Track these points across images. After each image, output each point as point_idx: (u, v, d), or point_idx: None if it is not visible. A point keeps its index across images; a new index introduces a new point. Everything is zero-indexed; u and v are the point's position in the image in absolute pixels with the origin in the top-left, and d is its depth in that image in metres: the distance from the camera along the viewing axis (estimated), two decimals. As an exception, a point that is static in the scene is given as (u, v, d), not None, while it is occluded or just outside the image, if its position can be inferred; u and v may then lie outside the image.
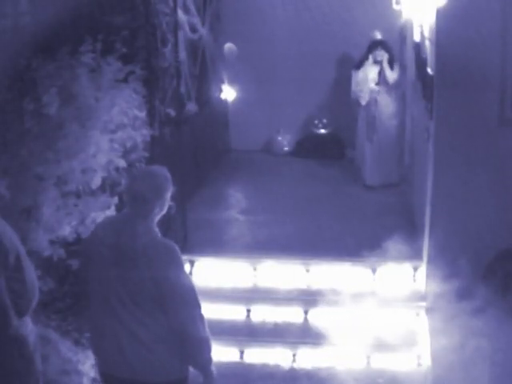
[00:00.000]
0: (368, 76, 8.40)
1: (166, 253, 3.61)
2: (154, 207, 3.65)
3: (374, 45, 8.41)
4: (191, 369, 3.78)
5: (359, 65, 8.50)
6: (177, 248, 3.66)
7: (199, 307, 3.66)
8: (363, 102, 8.40)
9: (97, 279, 3.69)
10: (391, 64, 8.39)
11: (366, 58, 8.44)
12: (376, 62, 8.39)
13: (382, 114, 8.42)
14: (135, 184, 3.69)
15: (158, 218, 3.72)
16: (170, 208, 3.82)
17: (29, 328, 4.07)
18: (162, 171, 3.76)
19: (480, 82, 5.57)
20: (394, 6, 7.92)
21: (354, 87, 8.52)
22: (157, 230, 3.70)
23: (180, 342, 3.62)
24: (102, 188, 5.82)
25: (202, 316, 3.66)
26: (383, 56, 8.35)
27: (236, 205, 8.08)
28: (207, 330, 3.68)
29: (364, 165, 8.60)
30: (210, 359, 3.72)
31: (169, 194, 3.73)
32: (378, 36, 8.52)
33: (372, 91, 8.38)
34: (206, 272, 6.52)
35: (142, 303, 3.57)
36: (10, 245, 3.88)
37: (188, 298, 3.61)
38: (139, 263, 3.56)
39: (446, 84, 5.66)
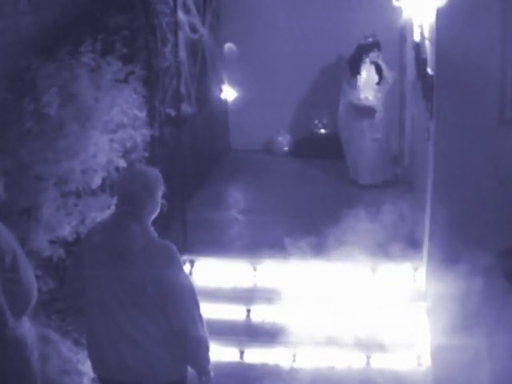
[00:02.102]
0: (371, 78, 8.39)
1: (164, 254, 3.60)
2: (145, 207, 3.63)
3: (370, 47, 8.40)
4: (189, 369, 3.78)
5: (357, 69, 8.44)
6: (175, 249, 3.65)
7: (198, 307, 3.67)
8: (371, 104, 8.35)
9: (94, 283, 3.67)
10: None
11: (362, 61, 8.40)
12: (371, 63, 8.39)
13: (381, 113, 8.41)
14: (126, 184, 3.67)
15: (151, 218, 3.70)
16: (162, 206, 3.80)
17: (26, 329, 4.06)
18: (153, 171, 3.74)
19: (480, 82, 5.57)
20: (394, 2, 7.92)
21: (358, 94, 8.36)
22: (153, 230, 3.69)
23: (178, 343, 3.62)
24: (102, 188, 5.83)
25: (200, 316, 3.67)
26: (378, 57, 8.37)
27: (236, 205, 8.08)
28: (205, 330, 3.68)
29: (360, 164, 8.56)
30: (207, 359, 3.73)
31: (160, 194, 3.71)
32: (370, 39, 8.52)
33: (375, 91, 8.37)
34: (206, 272, 6.52)
35: (140, 305, 3.57)
36: (6, 246, 3.87)
37: (187, 299, 3.60)
38: (137, 265, 3.55)
39: (445, 84, 5.66)
